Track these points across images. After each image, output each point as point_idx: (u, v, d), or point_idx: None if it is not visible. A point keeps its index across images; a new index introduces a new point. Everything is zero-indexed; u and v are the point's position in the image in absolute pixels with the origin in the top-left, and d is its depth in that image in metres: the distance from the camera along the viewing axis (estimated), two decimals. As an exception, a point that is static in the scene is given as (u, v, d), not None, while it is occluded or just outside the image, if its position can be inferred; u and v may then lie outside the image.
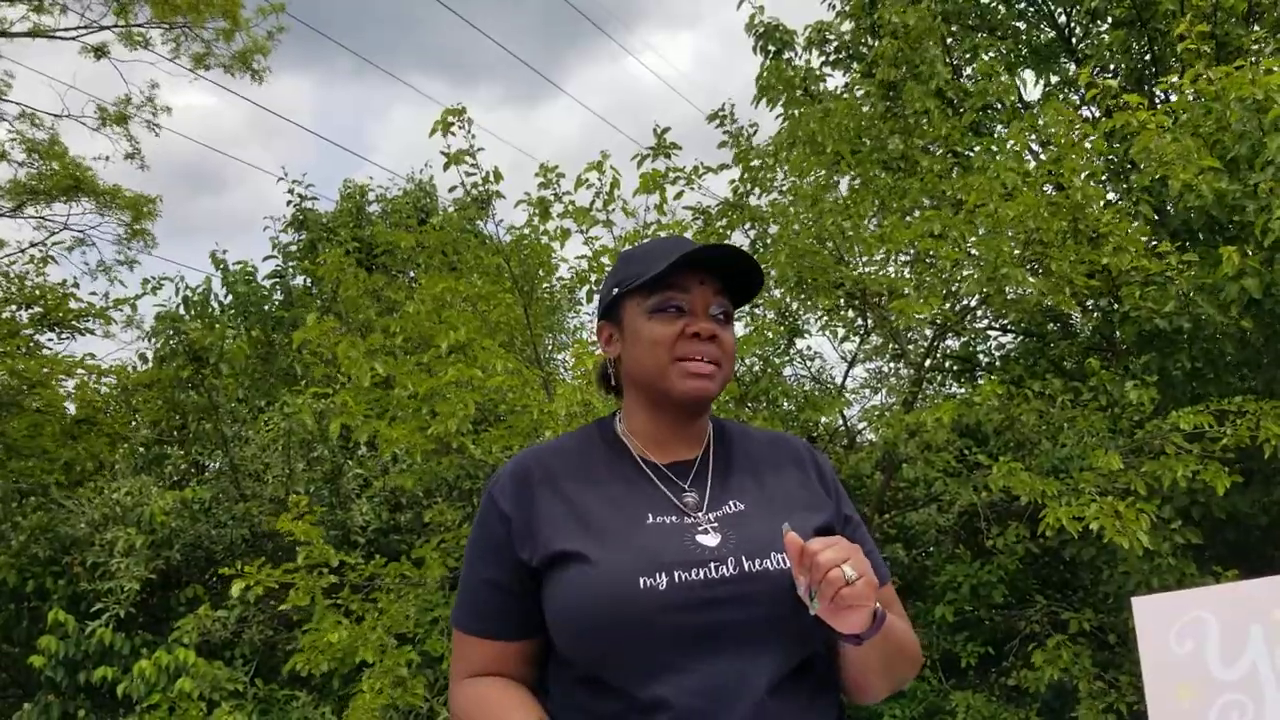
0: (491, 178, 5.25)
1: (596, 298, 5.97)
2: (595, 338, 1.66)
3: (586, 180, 5.37)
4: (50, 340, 9.68)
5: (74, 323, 9.61)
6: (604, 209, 5.43)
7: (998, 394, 5.01)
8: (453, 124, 4.98)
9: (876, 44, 6.78)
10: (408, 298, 5.63)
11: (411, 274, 9.15)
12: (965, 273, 5.34)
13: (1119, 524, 4.37)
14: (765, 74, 6.87)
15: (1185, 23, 5.57)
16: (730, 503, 1.47)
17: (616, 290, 1.55)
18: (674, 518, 1.43)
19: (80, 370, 9.05)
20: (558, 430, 4.40)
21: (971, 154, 6.15)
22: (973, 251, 5.27)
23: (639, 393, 1.55)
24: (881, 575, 1.53)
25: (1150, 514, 4.50)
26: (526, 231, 6.04)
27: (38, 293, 9.61)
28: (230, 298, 9.19)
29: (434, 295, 5.21)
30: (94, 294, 14.31)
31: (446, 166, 5.10)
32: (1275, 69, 5.06)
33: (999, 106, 6.87)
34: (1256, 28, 6.52)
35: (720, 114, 6.56)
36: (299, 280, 10.68)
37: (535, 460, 1.51)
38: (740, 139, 6.50)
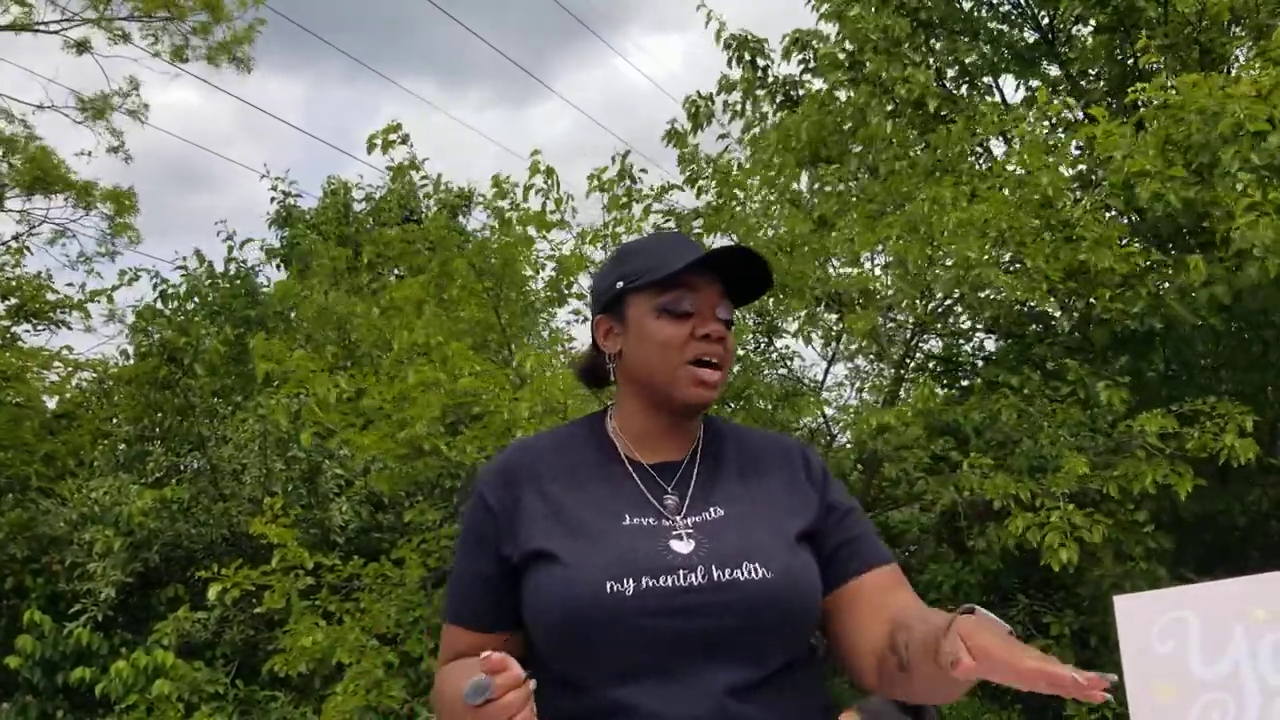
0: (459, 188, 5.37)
1: (576, 298, 6.02)
2: (577, 336, 1.65)
3: (533, 185, 5.49)
4: (26, 332, 9.58)
5: (50, 314, 9.50)
6: (557, 209, 5.49)
7: (976, 391, 5.03)
8: (394, 141, 5.41)
9: (836, 48, 6.82)
10: (374, 305, 5.72)
11: (397, 271, 9.11)
12: (941, 263, 5.33)
13: (1064, 539, 4.42)
14: (741, 82, 6.91)
15: (1144, 38, 5.66)
16: (711, 509, 1.45)
17: (621, 285, 1.51)
18: (651, 520, 1.42)
19: (57, 364, 8.92)
20: (528, 430, 4.42)
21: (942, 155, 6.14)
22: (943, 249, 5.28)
23: (638, 391, 1.52)
24: (882, 555, 1.51)
25: (1105, 526, 4.56)
26: (492, 235, 6.10)
27: (13, 284, 9.49)
28: (212, 291, 9.14)
29: (390, 300, 5.32)
30: (70, 285, 14.17)
31: (394, 179, 5.39)
32: (1247, 75, 5.09)
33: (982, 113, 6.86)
34: (1237, 30, 6.54)
35: (676, 130, 6.56)
36: (279, 275, 10.63)
37: (523, 456, 1.51)
38: (705, 162, 6.44)
